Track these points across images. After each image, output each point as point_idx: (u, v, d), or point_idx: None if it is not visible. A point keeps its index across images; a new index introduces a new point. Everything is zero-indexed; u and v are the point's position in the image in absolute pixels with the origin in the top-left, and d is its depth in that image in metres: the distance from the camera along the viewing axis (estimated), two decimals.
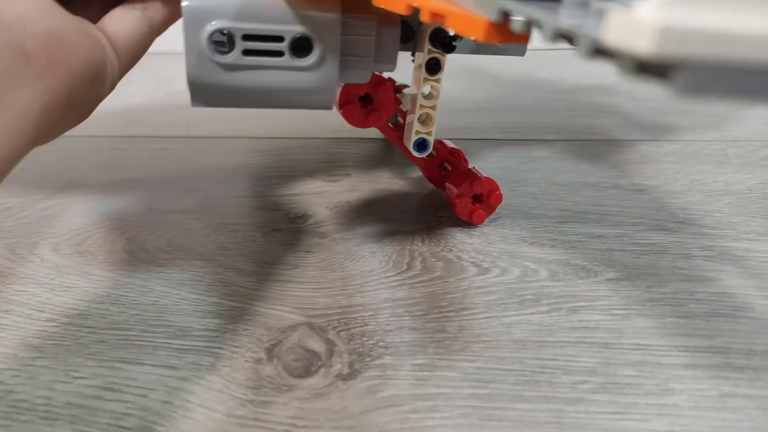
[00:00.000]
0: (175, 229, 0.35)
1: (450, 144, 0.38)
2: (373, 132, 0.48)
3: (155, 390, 0.24)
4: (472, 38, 0.18)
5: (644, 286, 0.30)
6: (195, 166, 0.43)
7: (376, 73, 0.32)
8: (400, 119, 0.34)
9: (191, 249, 0.33)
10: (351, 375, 0.24)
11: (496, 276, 0.31)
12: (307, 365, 0.25)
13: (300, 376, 0.24)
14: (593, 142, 0.47)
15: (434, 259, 0.32)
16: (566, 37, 0.14)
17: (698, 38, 0.11)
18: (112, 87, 0.25)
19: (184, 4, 0.25)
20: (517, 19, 0.16)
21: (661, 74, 0.11)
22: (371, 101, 0.32)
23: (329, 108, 0.28)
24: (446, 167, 0.36)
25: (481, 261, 0.32)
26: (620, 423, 0.22)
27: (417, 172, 0.41)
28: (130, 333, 0.27)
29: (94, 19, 0.24)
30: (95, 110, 0.25)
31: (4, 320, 0.27)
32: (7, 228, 0.35)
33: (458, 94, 0.57)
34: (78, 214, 0.36)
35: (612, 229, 0.35)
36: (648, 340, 0.26)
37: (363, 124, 0.32)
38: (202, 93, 0.26)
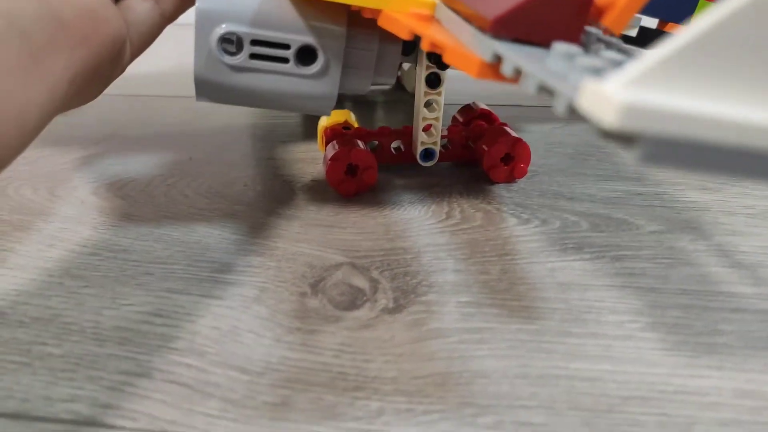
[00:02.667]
0: (215, 178, 0.35)
1: (480, 105, 0.37)
2: (406, 94, 0.48)
3: (203, 317, 0.24)
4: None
5: (688, 239, 0.30)
6: (232, 124, 0.43)
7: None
8: (401, 146, 0.35)
9: (231, 196, 0.33)
10: (396, 309, 0.24)
11: (536, 226, 0.30)
12: (353, 299, 0.25)
13: (346, 309, 0.24)
14: None
15: (473, 210, 0.32)
16: (548, 91, 0.15)
17: (657, 117, 0.12)
18: (123, 69, 0.26)
19: (197, 5, 0.25)
20: (508, 65, 0.16)
21: (625, 141, 0.12)
22: (356, 168, 0.32)
23: (328, 114, 0.29)
24: (470, 145, 0.36)
25: (521, 213, 0.32)
26: (670, 359, 0.22)
27: None
28: (175, 267, 0.27)
29: None
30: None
31: (48, 254, 0.28)
32: (45, 173, 0.35)
33: None
34: (116, 162, 0.36)
35: (652, 188, 0.34)
36: (694, 286, 0.26)
37: (363, 189, 0.33)
38: (208, 90, 0.27)
